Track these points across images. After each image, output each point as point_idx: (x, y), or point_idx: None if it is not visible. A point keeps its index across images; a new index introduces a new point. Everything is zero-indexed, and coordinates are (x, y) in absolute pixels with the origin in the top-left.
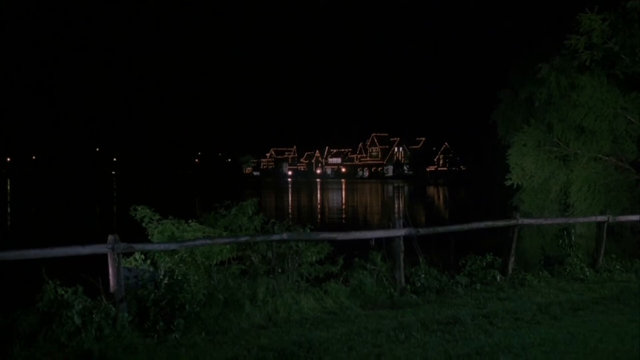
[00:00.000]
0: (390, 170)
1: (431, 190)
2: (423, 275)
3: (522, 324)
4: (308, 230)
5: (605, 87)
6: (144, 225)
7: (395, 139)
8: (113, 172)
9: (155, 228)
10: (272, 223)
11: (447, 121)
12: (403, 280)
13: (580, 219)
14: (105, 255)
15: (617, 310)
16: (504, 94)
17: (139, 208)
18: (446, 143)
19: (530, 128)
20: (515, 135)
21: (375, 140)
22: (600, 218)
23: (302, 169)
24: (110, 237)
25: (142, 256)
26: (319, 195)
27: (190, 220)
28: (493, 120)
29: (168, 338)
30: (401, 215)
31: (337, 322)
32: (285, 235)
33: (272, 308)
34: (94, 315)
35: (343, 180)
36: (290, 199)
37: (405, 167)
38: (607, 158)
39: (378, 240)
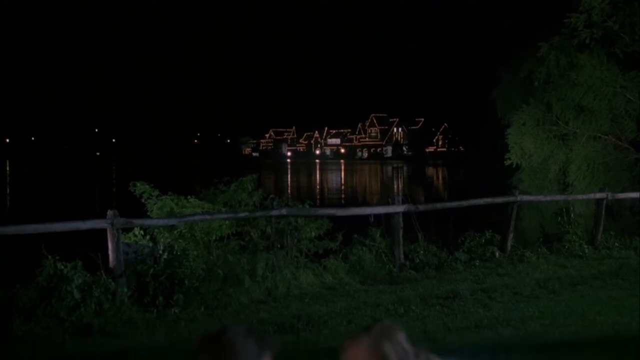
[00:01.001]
0: (389, 151)
1: (430, 170)
2: (422, 252)
3: (521, 299)
4: (307, 206)
5: (605, 66)
6: (143, 201)
7: (395, 119)
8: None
9: (155, 204)
10: (271, 199)
11: (447, 101)
12: (402, 256)
13: (579, 196)
14: (104, 231)
15: (615, 286)
16: (504, 73)
17: (138, 184)
18: (445, 124)
19: (530, 107)
20: (515, 115)
21: (374, 121)
22: (599, 195)
23: (301, 150)
24: (109, 212)
25: (142, 232)
26: (318, 176)
27: (189, 196)
28: (493, 100)
29: (167, 313)
30: (400, 192)
31: (336, 297)
32: (284, 211)
33: (271, 283)
34: (93, 290)
35: (342, 161)
36: (289, 179)
37: (404, 148)
38: (607, 137)
39: (377, 217)
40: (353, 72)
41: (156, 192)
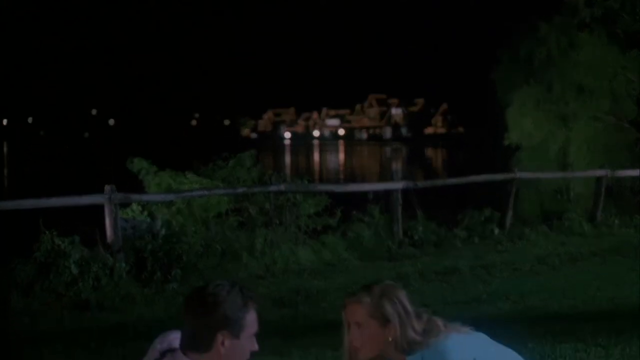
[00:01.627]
0: (388, 132)
1: (430, 152)
2: (421, 229)
3: (520, 274)
4: (306, 182)
5: (605, 46)
6: (140, 177)
7: (394, 100)
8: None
9: (152, 180)
10: (269, 175)
11: (446, 82)
12: (401, 233)
13: (579, 174)
14: (102, 207)
15: (615, 262)
16: (504, 53)
17: (136, 160)
18: (445, 104)
19: (530, 87)
20: (515, 95)
21: (373, 102)
22: (599, 173)
23: (299, 131)
24: (107, 187)
25: (140, 207)
26: (317, 157)
27: (187, 172)
28: (492, 81)
29: (166, 288)
30: (399, 171)
31: (335, 273)
32: (283, 187)
33: (269, 259)
34: (91, 266)
35: (341, 142)
36: (288, 160)
37: (403, 130)
38: (607, 117)
39: (376, 194)
40: (351, 51)
41: (154, 168)
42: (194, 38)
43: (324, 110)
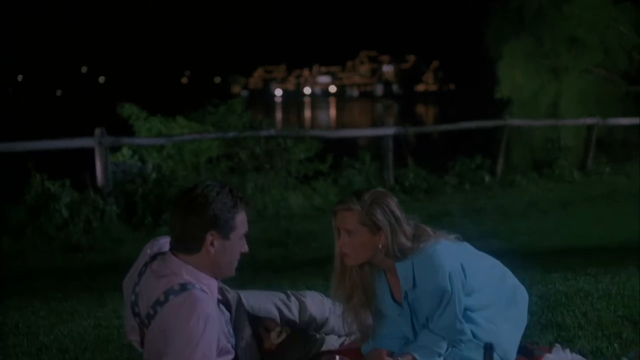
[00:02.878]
0: (379, 89)
1: (421, 108)
2: (412, 175)
3: (511, 216)
4: (297, 128)
5: None
6: (130, 122)
7: (385, 57)
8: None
9: (143, 125)
10: (260, 120)
11: (437, 38)
12: (392, 179)
13: (570, 121)
14: (92, 152)
15: (605, 206)
16: (495, 7)
17: (126, 105)
18: (436, 61)
19: (521, 41)
20: (506, 49)
21: (364, 59)
22: (589, 121)
23: (290, 89)
24: (97, 131)
25: (130, 152)
26: (309, 113)
27: (177, 116)
28: (483, 35)
29: (156, 232)
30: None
31: (325, 218)
32: (273, 131)
33: (260, 204)
34: (82, 209)
35: (332, 99)
36: (279, 116)
37: (394, 87)
38: (598, 70)
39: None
40: (342, 7)
41: (144, 114)
42: None
43: (315, 67)
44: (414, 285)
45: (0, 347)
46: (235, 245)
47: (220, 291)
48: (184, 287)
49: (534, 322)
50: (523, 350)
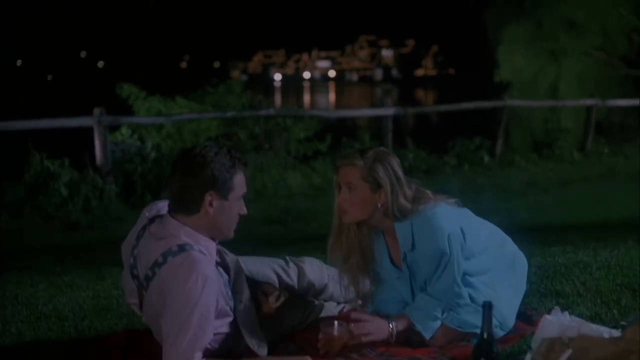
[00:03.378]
0: (379, 74)
1: (420, 93)
2: (411, 156)
3: (510, 195)
4: (296, 108)
5: None
6: (130, 102)
7: (384, 41)
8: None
9: (142, 105)
10: (259, 100)
11: (437, 23)
12: None
13: (569, 102)
14: (91, 131)
15: (604, 185)
16: None
17: (125, 85)
18: (435, 46)
19: (520, 24)
20: (505, 33)
21: (364, 44)
22: (589, 102)
23: (289, 73)
24: (96, 110)
25: (129, 131)
26: (308, 97)
27: (177, 96)
28: (483, 20)
29: None
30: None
31: (324, 197)
32: (272, 111)
33: (259, 183)
34: (81, 187)
35: (331, 83)
36: (279, 100)
37: (393, 71)
38: (597, 53)
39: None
40: None
41: (143, 94)
42: None
43: (314, 52)
44: (413, 246)
45: None
46: (233, 206)
47: (219, 254)
48: (182, 248)
49: (533, 290)
50: (522, 316)
